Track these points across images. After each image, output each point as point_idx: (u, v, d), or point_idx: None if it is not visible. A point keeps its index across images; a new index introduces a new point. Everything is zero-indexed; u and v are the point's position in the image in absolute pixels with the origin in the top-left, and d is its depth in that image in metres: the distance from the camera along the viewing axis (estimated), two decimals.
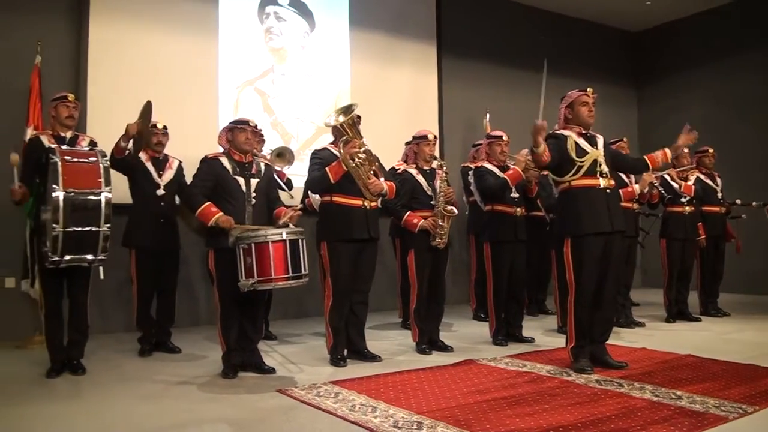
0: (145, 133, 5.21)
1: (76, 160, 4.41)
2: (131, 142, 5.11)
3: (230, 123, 4.82)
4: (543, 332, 6.27)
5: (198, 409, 3.78)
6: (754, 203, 7.65)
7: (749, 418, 3.43)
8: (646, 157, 4.96)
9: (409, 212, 5.29)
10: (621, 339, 5.78)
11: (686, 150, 7.04)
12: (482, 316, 6.95)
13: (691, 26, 10.86)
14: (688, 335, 6.17)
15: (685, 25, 10.95)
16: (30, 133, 5.73)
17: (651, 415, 3.45)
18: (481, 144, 6.64)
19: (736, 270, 8.18)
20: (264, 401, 3.89)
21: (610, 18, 11.12)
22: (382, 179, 4.96)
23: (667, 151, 4.96)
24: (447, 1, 9.26)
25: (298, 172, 6.29)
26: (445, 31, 9.20)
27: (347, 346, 5.03)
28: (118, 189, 5.11)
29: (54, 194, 4.18)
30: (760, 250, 8.77)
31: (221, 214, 4.44)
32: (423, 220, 5.23)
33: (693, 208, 7.03)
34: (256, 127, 5.04)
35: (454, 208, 5.30)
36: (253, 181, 4.68)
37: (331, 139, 5.10)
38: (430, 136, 5.47)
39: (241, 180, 4.63)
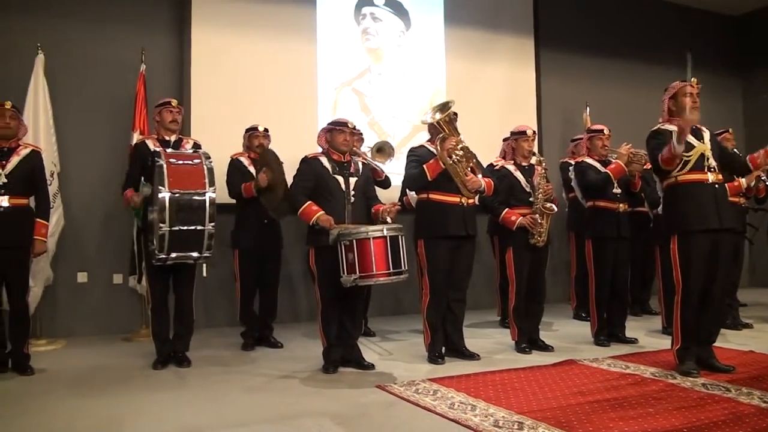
0: (279, 185, 5.24)
1: (180, 162, 4.60)
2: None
3: (329, 124, 4.91)
4: (647, 333, 6.08)
5: (301, 402, 3.88)
6: None
7: None
8: (748, 158, 4.73)
9: (507, 209, 5.25)
10: (727, 341, 5.54)
11: None
12: (583, 315, 6.81)
13: None
14: None
15: None
16: (136, 137, 5.98)
17: (759, 423, 3.30)
18: (580, 139, 6.51)
19: None
20: (364, 396, 3.95)
21: (713, 2, 10.55)
22: (480, 176, 4.93)
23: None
24: None
25: (395, 171, 6.32)
26: (542, 24, 9.02)
27: (445, 343, 5.03)
28: (222, 189, 5.33)
29: (160, 195, 4.36)
30: None
31: (322, 212, 4.53)
32: (521, 218, 5.18)
33: None
34: (354, 128, 5.11)
35: (553, 205, 5.22)
36: (352, 180, 4.75)
37: (427, 137, 5.11)
38: (529, 132, 5.41)
39: (340, 179, 4.71)
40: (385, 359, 5.10)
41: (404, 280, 4.49)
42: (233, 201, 5.73)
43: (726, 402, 3.68)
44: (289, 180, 4.99)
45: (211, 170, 4.59)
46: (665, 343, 4.99)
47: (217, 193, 4.60)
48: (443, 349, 4.99)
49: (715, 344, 4.62)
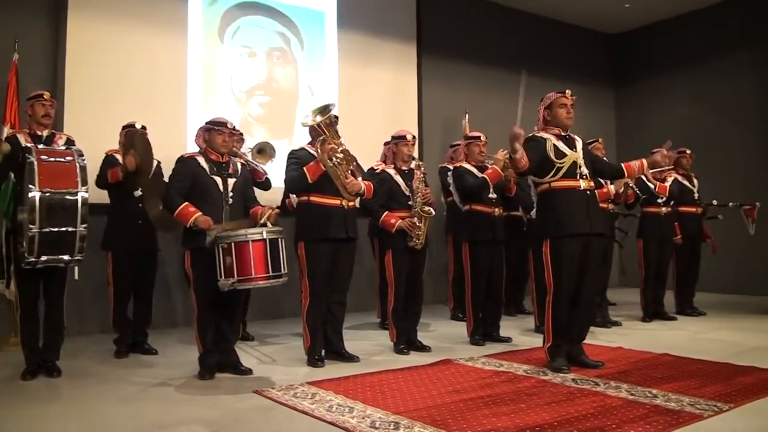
0: (146, 167, 5.16)
1: (52, 159, 4.35)
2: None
3: (207, 123, 4.78)
4: (520, 332, 6.29)
5: (175, 410, 3.75)
6: (730, 204, 7.78)
7: (724, 416, 3.47)
8: (623, 165, 4.99)
9: (386, 212, 5.29)
10: (597, 338, 5.82)
11: (664, 150, 7.13)
12: (460, 316, 6.96)
13: (669, 29, 10.95)
14: (664, 334, 6.23)
15: (663, 27, 11.05)
16: (6, 131, 5.64)
17: (627, 414, 3.48)
18: (459, 144, 6.66)
19: (712, 270, 8.27)
20: (241, 402, 3.87)
21: (589, 20, 11.18)
22: (360, 179, 4.95)
23: (644, 162, 4.99)
24: (427, 2, 9.27)
25: (278, 172, 6.26)
26: (425, 32, 9.21)
27: (325, 346, 5.01)
28: (95, 189, 5.09)
29: (30, 194, 4.12)
30: (735, 251, 8.86)
31: (200, 214, 4.42)
32: (400, 221, 5.24)
33: (669, 209, 7.11)
34: (234, 128, 5.01)
35: (431, 209, 5.31)
36: (230, 181, 4.65)
37: (308, 139, 5.09)
38: (409, 137, 5.48)
39: (218, 179, 4.60)
40: (263, 364, 5.02)
41: (284, 283, 4.44)
42: (107, 201, 5.49)
43: (595, 396, 3.86)
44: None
45: (84, 168, 4.35)
46: (538, 341, 5.17)
47: (90, 192, 4.38)
48: (323, 351, 4.97)
49: (586, 341, 4.84)
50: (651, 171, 6.91)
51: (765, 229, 7.83)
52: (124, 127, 5.62)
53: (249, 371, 4.62)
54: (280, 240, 4.35)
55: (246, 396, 4.01)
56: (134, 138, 5.24)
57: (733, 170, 9.65)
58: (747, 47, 9.89)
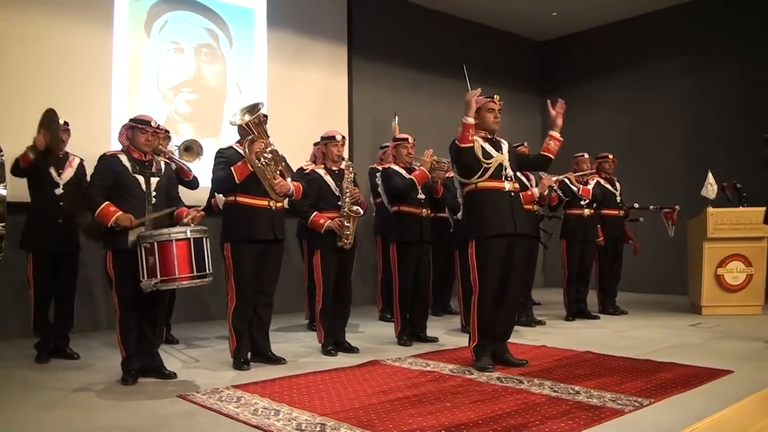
0: (55, 146, 5.02)
1: None
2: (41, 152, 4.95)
3: (131, 121, 4.64)
4: (447, 332, 6.36)
5: (97, 417, 3.64)
6: (651, 207, 8.07)
7: (644, 410, 3.58)
8: (541, 152, 5.07)
9: (315, 213, 5.27)
10: (522, 337, 5.93)
11: (586, 155, 7.38)
12: (388, 316, 6.99)
13: (595, 38, 11.31)
14: (587, 333, 6.40)
15: (589, 36, 11.39)
16: None
17: (549, 410, 3.55)
18: (388, 146, 6.69)
19: (633, 270, 8.56)
20: (164, 407, 3.78)
21: (518, 27, 11.41)
22: (289, 179, 4.91)
23: (553, 133, 5.08)
24: (358, 3, 9.28)
25: (206, 171, 6.14)
26: (356, 33, 9.22)
27: (251, 348, 4.95)
28: (16, 187, 4.91)
29: None
30: (656, 252, 9.18)
31: (121, 213, 4.30)
32: (329, 221, 5.22)
33: (592, 211, 7.31)
34: (158, 126, 4.90)
35: (360, 209, 5.32)
36: (153, 180, 4.55)
37: (236, 138, 5.02)
38: (338, 137, 5.47)
39: (140, 178, 4.49)
40: (188, 367, 4.93)
41: (210, 284, 4.38)
42: (27, 200, 5.26)
43: (519, 393, 3.93)
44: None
45: (2, 165, 4.19)
46: (464, 340, 5.23)
47: (10, 190, 4.23)
48: (249, 354, 4.91)
49: (510, 340, 4.93)
50: (575, 174, 7.16)
51: (684, 231, 8.12)
52: None
53: (173, 375, 4.52)
54: (204, 239, 4.28)
55: (170, 401, 3.92)
56: (47, 116, 5.02)
57: (654, 174, 10.02)
58: (668, 57, 10.29)
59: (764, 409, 3.26)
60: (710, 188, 7.46)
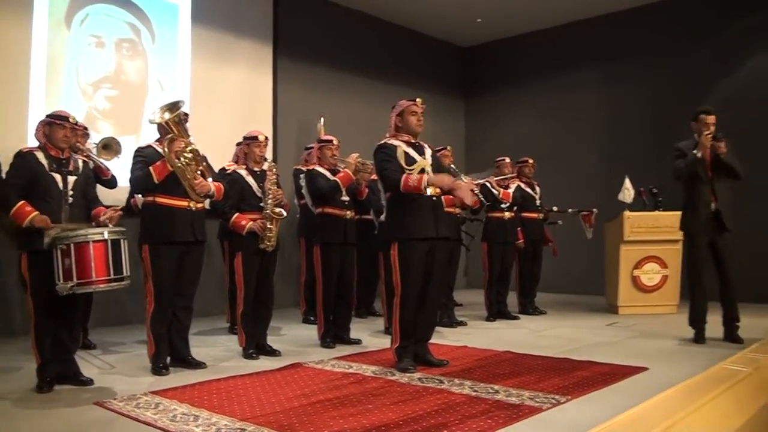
0: None
1: None
2: None
3: (48, 117, 4.47)
4: (371, 333, 6.38)
5: (12, 427, 3.50)
6: (569, 210, 8.31)
7: (562, 407, 3.67)
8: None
9: (237, 214, 5.19)
10: (444, 338, 6.00)
11: (507, 159, 7.52)
12: (311, 319, 6.96)
13: (518, 45, 11.57)
14: (507, 333, 6.52)
15: (512, 43, 11.64)
16: None
17: (469, 410, 3.60)
18: (313, 147, 6.67)
19: (552, 271, 8.78)
20: (81, 415, 3.66)
21: (443, 32, 11.55)
22: (210, 180, 4.82)
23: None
24: (284, 2, 9.20)
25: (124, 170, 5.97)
26: (281, 33, 9.14)
27: (170, 353, 4.83)
28: None
29: None
30: (574, 254, 9.43)
31: (36, 213, 4.13)
32: (251, 222, 5.15)
33: (513, 214, 7.45)
34: (76, 123, 4.75)
35: (282, 210, 5.26)
36: (71, 179, 4.39)
37: (156, 136, 4.90)
38: (261, 137, 5.41)
39: (57, 177, 4.33)
40: (105, 373, 4.77)
41: (127, 287, 4.26)
42: None
43: (439, 393, 3.97)
44: None
45: None
46: (387, 342, 5.22)
47: None
48: (168, 359, 4.80)
49: (432, 341, 4.98)
50: (496, 178, 7.29)
51: (602, 233, 8.38)
52: None
53: (90, 382, 4.38)
54: (122, 241, 4.16)
55: (86, 408, 3.79)
56: None
57: (573, 178, 10.31)
58: (588, 65, 10.63)
59: (678, 404, 3.38)
60: (627, 193, 7.73)
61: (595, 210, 8.26)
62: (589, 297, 9.22)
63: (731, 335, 5.66)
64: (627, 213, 7.67)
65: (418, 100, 4.86)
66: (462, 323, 6.92)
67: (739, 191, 7.96)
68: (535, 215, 7.86)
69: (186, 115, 4.78)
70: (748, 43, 9.09)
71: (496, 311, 7.44)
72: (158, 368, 4.68)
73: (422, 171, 4.72)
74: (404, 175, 4.61)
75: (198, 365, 4.84)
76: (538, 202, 7.93)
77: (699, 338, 5.67)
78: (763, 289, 8.16)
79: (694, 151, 5.52)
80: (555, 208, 8.26)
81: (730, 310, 5.68)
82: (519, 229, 7.61)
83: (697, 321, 5.69)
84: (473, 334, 6.41)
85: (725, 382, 3.86)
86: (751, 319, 6.76)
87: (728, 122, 8.53)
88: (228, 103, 8.44)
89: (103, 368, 4.97)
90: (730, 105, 9.03)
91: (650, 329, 6.44)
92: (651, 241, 7.60)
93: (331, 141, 5.86)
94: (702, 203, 5.60)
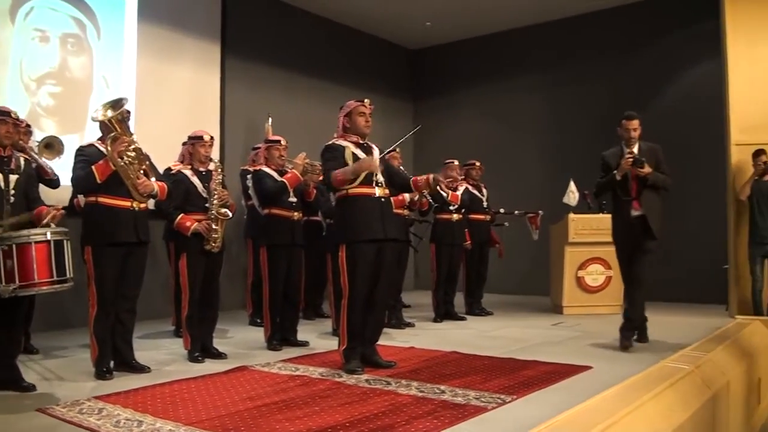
0: None
1: None
2: None
3: None
4: (318, 335, 6.36)
5: None
6: (516, 212, 8.42)
7: (507, 406, 3.72)
8: (411, 180, 5.15)
9: (182, 215, 5.12)
10: (392, 339, 6.02)
11: (456, 162, 7.59)
12: (258, 321, 6.88)
13: (465, 49, 11.69)
14: (454, 333, 6.58)
15: (460, 47, 11.76)
16: None
17: (416, 410, 3.62)
18: (260, 147, 6.62)
19: (498, 273, 8.89)
20: (22, 422, 3.56)
21: (393, 34, 11.61)
22: (153, 179, 4.74)
23: (431, 176, 5.13)
24: (232, 0, 9.09)
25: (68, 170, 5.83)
26: (230, 32, 9.03)
27: (114, 357, 4.73)
28: None
29: None
30: (520, 255, 9.56)
31: None
32: (196, 224, 5.08)
33: (460, 216, 7.51)
34: (18, 118, 4.63)
35: (228, 211, 5.20)
36: (12, 178, 4.27)
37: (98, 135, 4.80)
38: (206, 137, 5.35)
39: None
40: (48, 379, 4.64)
41: (71, 290, 4.16)
42: None
43: (387, 394, 3.98)
44: None
45: None
46: (334, 344, 5.22)
47: None
48: (112, 363, 4.69)
49: (380, 342, 4.99)
50: (445, 180, 7.33)
51: (547, 235, 8.51)
52: None
53: (32, 387, 4.25)
54: (65, 242, 4.07)
55: (28, 415, 3.69)
56: None
57: (519, 181, 10.45)
58: (536, 70, 10.81)
59: (620, 402, 3.45)
60: (572, 196, 7.88)
61: (540, 212, 8.40)
62: (535, 297, 9.35)
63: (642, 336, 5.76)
64: (572, 215, 7.82)
65: (366, 100, 4.86)
66: (410, 324, 6.95)
67: (680, 194, 8.27)
68: (482, 217, 7.96)
69: (128, 112, 4.70)
70: (693, 50, 9.34)
71: (444, 312, 7.49)
72: (102, 373, 4.57)
73: (370, 173, 4.73)
74: (332, 172, 4.61)
75: (142, 369, 4.75)
76: (485, 204, 8.03)
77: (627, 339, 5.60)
78: (707, 290, 8.39)
79: (615, 173, 5.49)
80: (502, 210, 8.38)
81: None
82: (466, 230, 7.69)
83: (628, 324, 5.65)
84: (421, 335, 6.44)
85: (667, 380, 3.94)
86: (696, 318, 7.00)
87: (672, 127, 8.87)
88: (174, 101, 8.30)
89: (45, 374, 4.83)
90: (675, 111, 9.32)
91: (594, 329, 6.56)
92: (595, 242, 7.72)
93: (279, 141, 5.83)
94: (624, 213, 5.56)
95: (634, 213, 5.52)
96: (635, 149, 5.56)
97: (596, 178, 5.77)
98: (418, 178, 5.13)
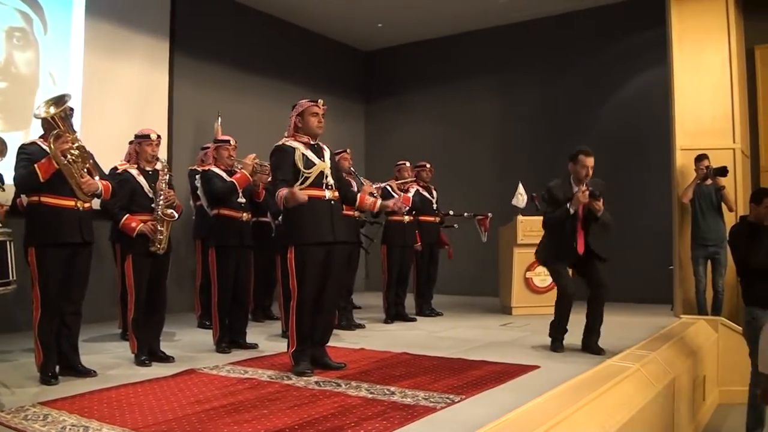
0: None
1: None
2: None
3: None
4: (268, 337, 6.32)
5: None
6: (465, 214, 8.50)
7: (455, 406, 3.74)
8: (359, 195, 5.23)
9: (127, 215, 5.02)
10: (342, 341, 6.02)
11: (407, 163, 7.64)
12: (207, 323, 6.79)
13: (417, 51, 11.76)
14: (404, 334, 6.61)
15: (411, 49, 11.82)
16: None
17: (365, 412, 3.62)
18: (209, 147, 6.55)
19: (448, 274, 8.96)
20: None
21: (345, 35, 11.62)
22: (97, 178, 4.64)
23: (378, 202, 5.27)
24: None
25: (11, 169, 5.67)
26: (179, 30, 8.90)
27: (59, 361, 4.61)
28: None
29: None
30: (470, 256, 9.66)
31: None
32: (141, 224, 4.99)
33: (411, 218, 7.56)
34: None
35: (174, 212, 5.11)
36: None
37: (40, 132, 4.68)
38: (153, 136, 5.25)
39: None
40: None
41: (14, 293, 4.07)
42: None
43: (336, 396, 3.98)
44: None
45: None
46: (284, 346, 5.18)
47: None
48: (57, 367, 4.58)
49: (330, 344, 4.98)
50: (396, 182, 7.39)
51: (496, 237, 8.60)
52: None
53: None
54: (8, 243, 3.98)
55: None
56: None
57: (469, 183, 10.57)
58: (486, 73, 10.94)
59: (567, 401, 3.52)
60: (520, 198, 7.98)
61: (489, 214, 8.48)
62: (484, 298, 9.44)
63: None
64: (520, 217, 7.92)
65: (320, 101, 4.85)
66: (360, 326, 6.95)
67: (630, 197, 8.47)
68: (432, 219, 8.02)
69: (72, 109, 4.59)
70: (641, 57, 9.54)
71: (394, 313, 7.51)
72: (47, 377, 4.46)
73: (321, 174, 4.73)
74: (279, 190, 4.57)
75: (88, 373, 4.65)
76: (435, 206, 8.09)
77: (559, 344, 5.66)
78: (653, 290, 8.60)
79: (569, 206, 5.31)
80: (451, 212, 8.44)
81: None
82: (417, 232, 7.73)
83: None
84: (371, 336, 6.45)
85: (612, 379, 4.04)
86: (642, 318, 7.15)
87: (619, 133, 9.06)
88: (122, 99, 8.15)
89: None
90: (622, 116, 9.53)
91: (542, 329, 6.56)
92: None
93: (228, 141, 5.77)
94: (567, 245, 5.42)
95: (580, 251, 5.40)
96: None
97: (545, 181, 5.75)
98: (366, 199, 5.17)
